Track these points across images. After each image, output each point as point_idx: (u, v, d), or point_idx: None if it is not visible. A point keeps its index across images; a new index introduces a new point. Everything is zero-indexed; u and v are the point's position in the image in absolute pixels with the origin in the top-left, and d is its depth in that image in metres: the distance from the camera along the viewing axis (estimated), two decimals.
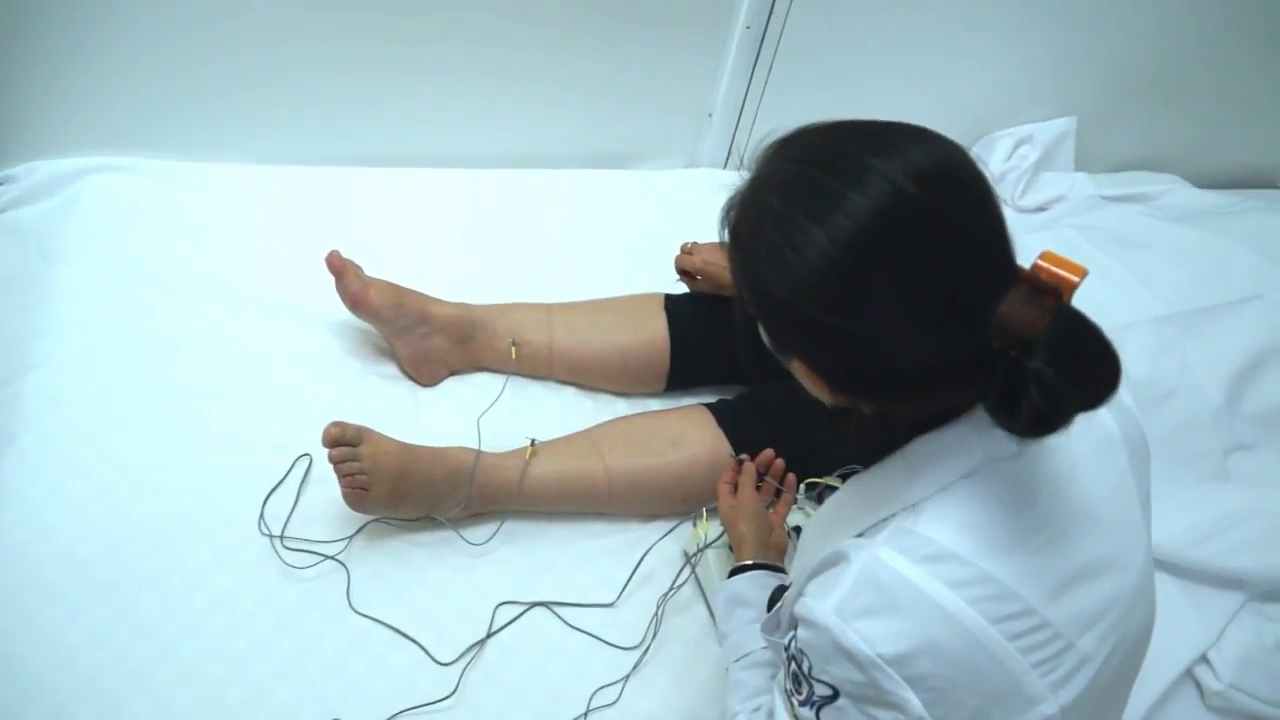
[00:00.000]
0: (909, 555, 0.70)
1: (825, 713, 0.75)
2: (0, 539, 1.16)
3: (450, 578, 1.23)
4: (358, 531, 1.24)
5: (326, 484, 1.23)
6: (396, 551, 1.24)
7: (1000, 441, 0.70)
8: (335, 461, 1.16)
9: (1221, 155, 2.04)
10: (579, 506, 1.31)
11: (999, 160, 1.88)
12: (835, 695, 0.73)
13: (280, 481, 1.27)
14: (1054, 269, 0.64)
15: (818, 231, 0.65)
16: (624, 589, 1.24)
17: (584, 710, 1.14)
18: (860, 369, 0.70)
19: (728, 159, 1.88)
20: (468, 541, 1.26)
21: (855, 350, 0.68)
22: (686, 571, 1.25)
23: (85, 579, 1.14)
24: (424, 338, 1.39)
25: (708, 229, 1.71)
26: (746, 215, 0.72)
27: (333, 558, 1.21)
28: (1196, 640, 1.31)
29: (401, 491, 1.20)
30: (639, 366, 1.44)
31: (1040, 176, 1.90)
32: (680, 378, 1.45)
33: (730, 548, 1.25)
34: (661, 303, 1.46)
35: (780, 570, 1.11)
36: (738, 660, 1.02)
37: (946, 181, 0.66)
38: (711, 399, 1.40)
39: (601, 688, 1.16)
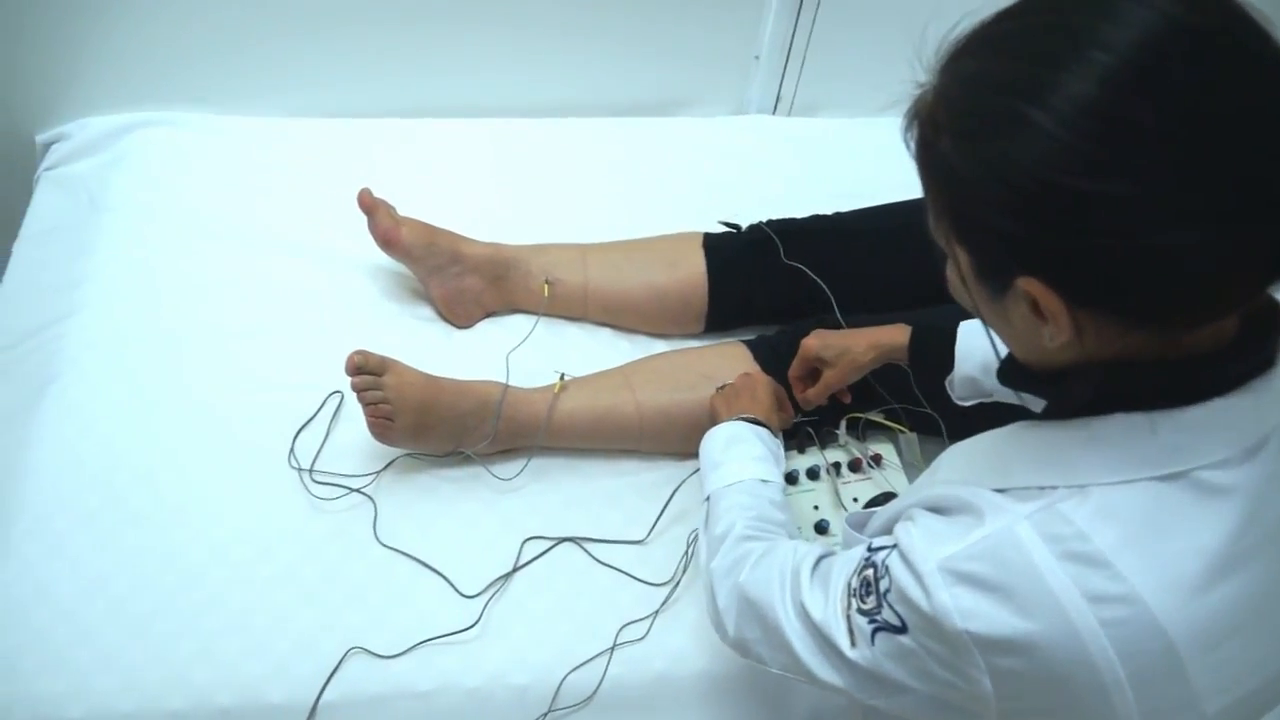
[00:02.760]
0: (1051, 544, 0.60)
1: (882, 638, 0.69)
2: (36, 474, 1.17)
3: (478, 512, 1.21)
4: (386, 466, 1.23)
5: (357, 421, 1.22)
6: (424, 486, 1.22)
7: (1225, 446, 0.60)
8: (358, 390, 1.15)
9: None
10: (610, 443, 1.27)
11: None
12: (903, 629, 0.67)
13: (311, 418, 1.26)
14: None
15: (1067, 75, 0.52)
16: (654, 526, 1.20)
17: (610, 644, 1.11)
18: (1109, 266, 0.55)
19: (776, 104, 1.82)
20: (496, 477, 1.23)
21: (1111, 232, 0.53)
22: None
23: (116, 509, 1.15)
24: (457, 277, 1.37)
25: (757, 178, 1.69)
26: (950, 101, 0.59)
27: (359, 491, 1.20)
28: None
29: (427, 424, 1.18)
30: (676, 306, 1.40)
31: None
32: (719, 318, 1.41)
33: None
34: (700, 241, 1.42)
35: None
36: (733, 485, 0.97)
37: (1216, 4, 0.54)
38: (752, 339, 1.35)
39: (629, 623, 1.13)
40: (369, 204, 1.33)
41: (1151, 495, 0.60)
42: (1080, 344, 0.60)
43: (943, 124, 0.59)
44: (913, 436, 1.24)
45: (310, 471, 1.21)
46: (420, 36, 1.63)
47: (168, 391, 1.27)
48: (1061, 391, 0.65)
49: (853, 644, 0.72)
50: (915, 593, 0.65)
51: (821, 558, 0.82)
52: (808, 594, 0.78)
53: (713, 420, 1.10)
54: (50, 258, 1.42)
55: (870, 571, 0.71)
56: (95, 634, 1.06)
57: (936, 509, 0.69)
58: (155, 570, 1.11)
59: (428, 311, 1.42)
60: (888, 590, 0.68)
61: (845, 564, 0.76)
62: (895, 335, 1.14)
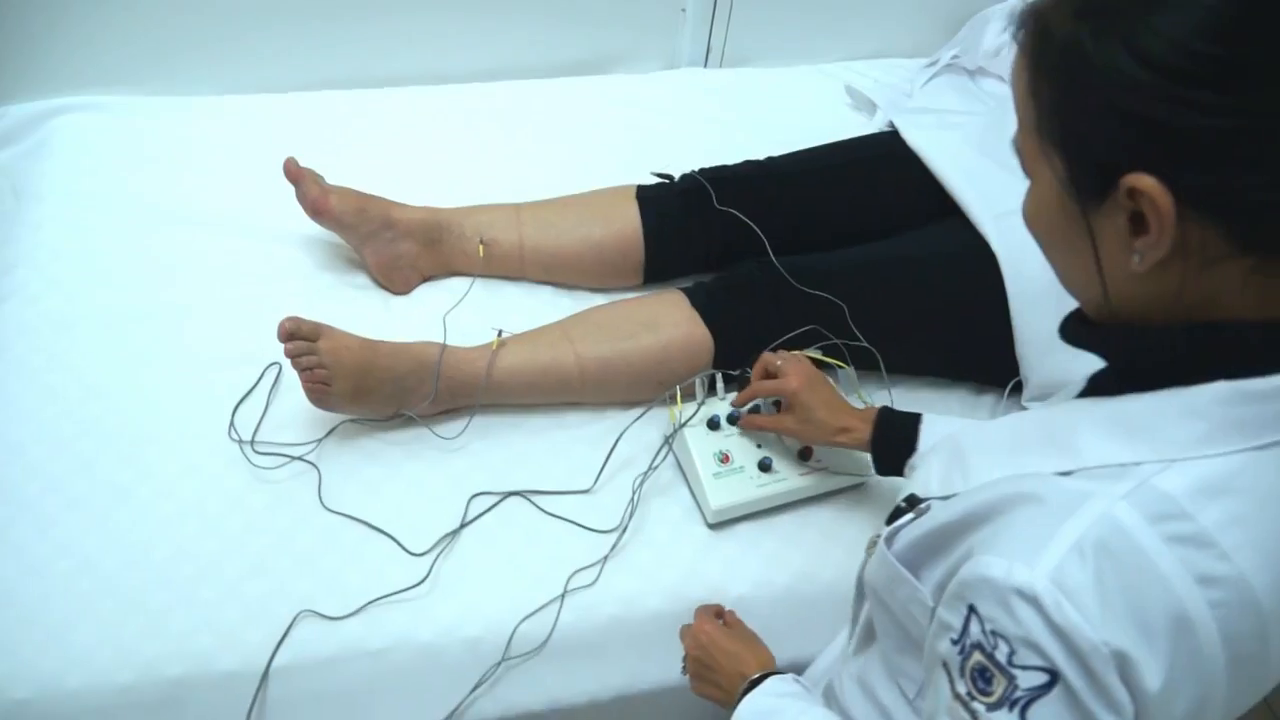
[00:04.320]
0: (1157, 525, 0.55)
1: (1036, 711, 0.56)
2: None
3: (423, 472, 1.21)
4: (328, 433, 1.22)
5: (297, 391, 1.21)
6: (368, 450, 1.22)
7: None
8: (292, 356, 1.14)
9: None
10: (552, 397, 1.27)
11: (993, 34, 1.79)
12: (1053, 682, 0.55)
13: (250, 391, 1.25)
14: None
15: None
16: (600, 474, 1.21)
17: (561, 592, 1.11)
18: (1236, 151, 0.52)
19: (707, 57, 1.83)
20: (440, 436, 1.23)
21: (1248, 109, 0.51)
22: (664, 453, 1.22)
23: (55, 494, 1.14)
24: (390, 243, 1.37)
25: (691, 131, 1.69)
26: None
27: (301, 458, 1.19)
28: None
29: (365, 387, 1.18)
30: (613, 258, 1.40)
31: None
32: (657, 269, 1.41)
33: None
34: (633, 193, 1.42)
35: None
36: None
37: None
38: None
39: (579, 570, 1.13)
40: (295, 173, 1.32)
41: (1249, 467, 0.57)
42: (1173, 269, 0.57)
43: (1070, 8, 0.57)
44: (850, 371, 1.25)
45: (251, 443, 1.20)
46: (344, 7, 1.62)
47: (104, 374, 1.25)
48: (1143, 348, 0.61)
49: None
50: (1039, 626, 0.55)
51: None
52: None
53: (727, 708, 0.93)
54: None
55: (978, 655, 0.58)
56: (39, 616, 1.04)
57: (995, 515, 0.62)
58: (98, 551, 1.10)
59: (364, 280, 1.42)
60: (1012, 653, 0.56)
61: (935, 694, 0.63)
62: (863, 433, 1.06)
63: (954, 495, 0.69)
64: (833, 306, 1.25)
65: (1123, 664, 0.54)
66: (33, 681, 1.00)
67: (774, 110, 1.75)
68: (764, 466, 1.19)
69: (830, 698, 0.91)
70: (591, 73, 1.79)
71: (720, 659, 0.96)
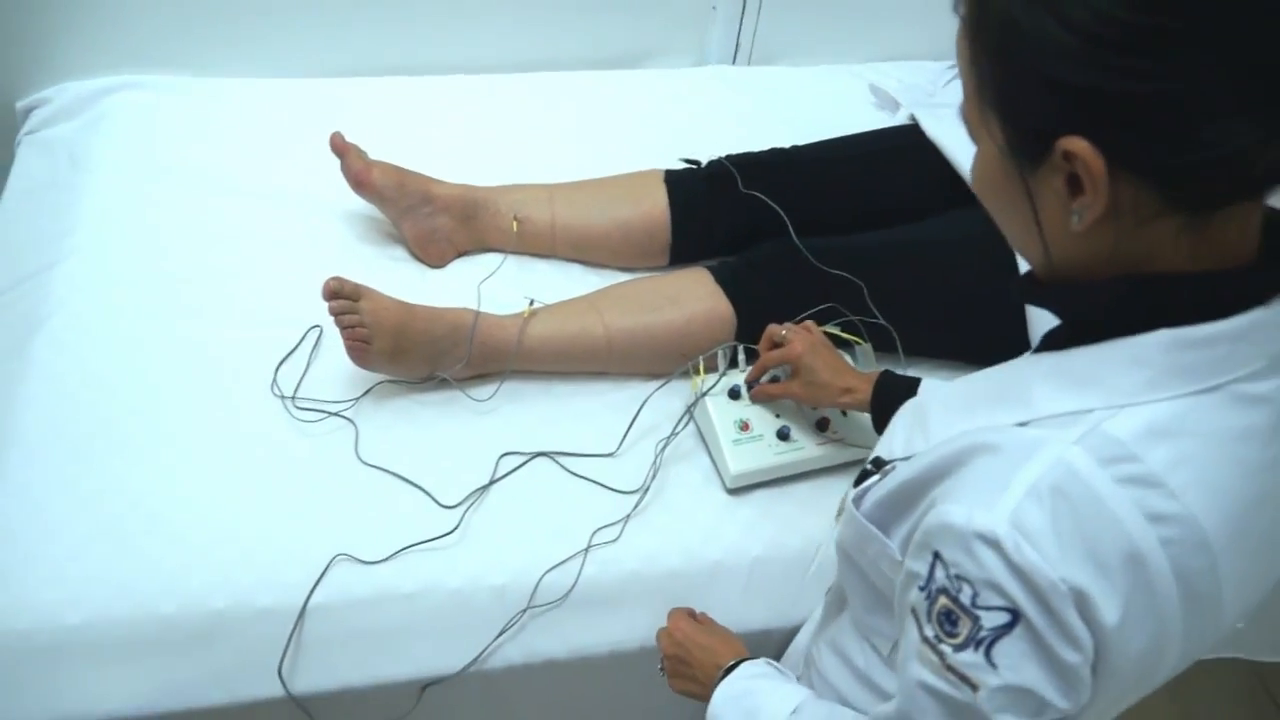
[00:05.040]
0: (1108, 468, 0.58)
1: (1000, 649, 0.59)
2: (31, 406, 1.22)
3: (455, 431, 1.26)
4: (366, 392, 1.28)
5: (336, 353, 1.27)
6: (403, 409, 1.28)
7: (1258, 360, 0.60)
8: (335, 314, 1.20)
9: None
10: (580, 365, 1.33)
11: None
12: (1014, 621, 0.58)
13: (292, 351, 1.31)
14: None
15: None
16: (624, 438, 1.26)
17: (585, 546, 1.16)
18: (1158, 112, 0.54)
19: (735, 54, 1.89)
20: (472, 398, 1.29)
21: (1166, 73, 0.53)
22: (685, 420, 1.27)
23: (106, 436, 1.19)
24: (428, 217, 1.43)
25: (717, 126, 1.74)
26: None
27: (340, 415, 1.25)
28: None
29: (403, 347, 1.23)
30: (640, 239, 1.46)
31: None
32: (683, 250, 1.47)
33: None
34: (661, 177, 1.48)
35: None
36: None
37: None
38: None
39: (602, 527, 1.18)
40: (341, 146, 1.39)
41: (1193, 410, 0.59)
42: (1109, 228, 0.59)
43: None
44: (868, 347, 1.30)
45: (293, 399, 1.26)
46: None
47: (154, 330, 1.31)
48: (1086, 302, 0.64)
49: (975, 687, 0.60)
50: (996, 566, 0.58)
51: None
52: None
53: (706, 700, 0.94)
54: (35, 213, 1.47)
55: (944, 599, 0.61)
56: (88, 550, 1.10)
57: (955, 467, 0.65)
58: (144, 492, 1.15)
59: (401, 252, 1.48)
60: (975, 595, 0.59)
61: (906, 642, 0.66)
62: (865, 394, 1.12)
63: (915, 455, 0.72)
64: (852, 285, 1.30)
65: (1080, 601, 0.57)
66: (83, 610, 1.06)
67: (799, 107, 1.81)
68: (782, 435, 1.24)
69: (810, 667, 0.94)
70: (623, 67, 1.85)
71: (696, 653, 0.99)
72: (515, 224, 1.44)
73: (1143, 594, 0.58)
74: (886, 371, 1.13)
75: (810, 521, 1.23)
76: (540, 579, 1.14)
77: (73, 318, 1.32)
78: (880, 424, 1.10)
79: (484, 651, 1.11)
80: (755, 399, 1.25)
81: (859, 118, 1.76)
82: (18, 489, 1.14)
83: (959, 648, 0.60)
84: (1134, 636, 0.59)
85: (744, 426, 1.24)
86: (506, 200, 1.46)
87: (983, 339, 1.37)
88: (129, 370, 1.27)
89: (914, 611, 0.64)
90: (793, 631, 1.11)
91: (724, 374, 1.27)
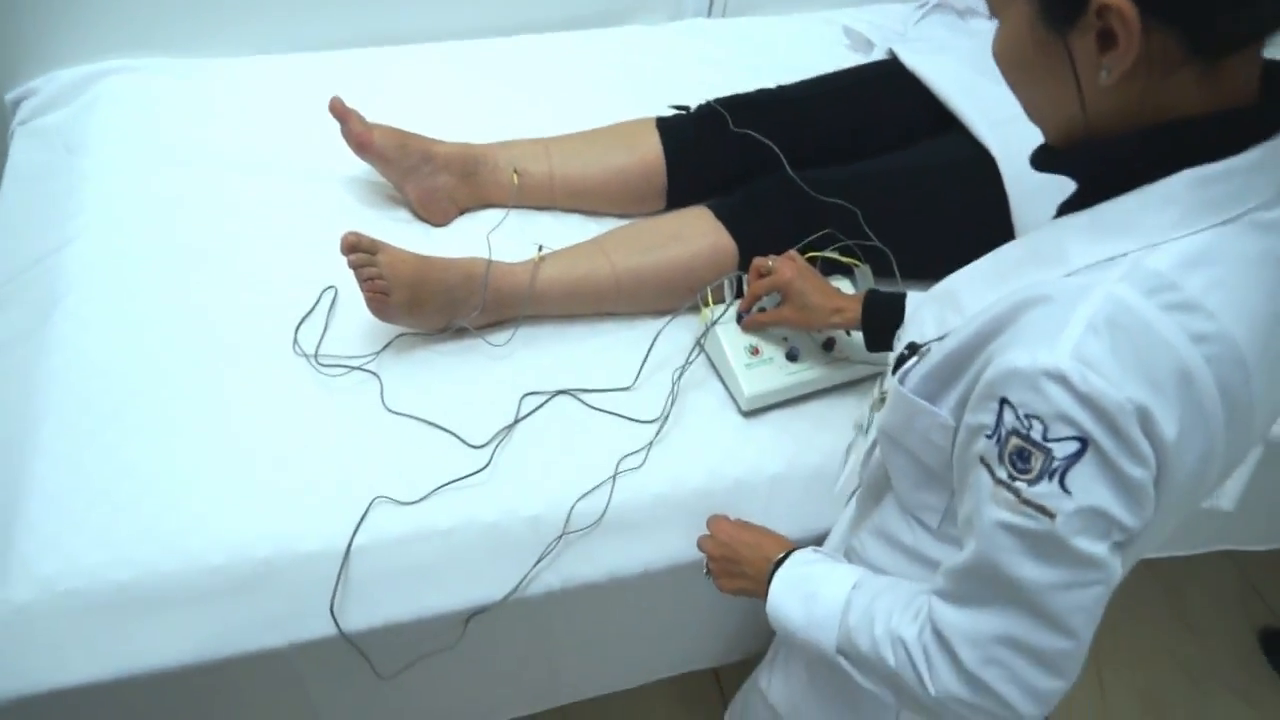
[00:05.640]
0: (1153, 298, 0.63)
1: (1073, 475, 0.63)
2: (58, 380, 1.24)
3: (476, 376, 1.30)
4: (386, 346, 1.31)
5: (354, 311, 1.31)
6: (423, 359, 1.31)
7: (1269, 190, 0.66)
8: (354, 266, 1.23)
9: None
10: (590, 306, 1.37)
11: None
12: (1084, 448, 0.63)
13: (309, 312, 1.34)
14: None
15: None
16: (640, 372, 1.30)
17: (612, 474, 1.20)
18: None
19: (710, 7, 1.93)
20: (490, 344, 1.33)
21: None
22: (697, 350, 1.31)
23: (138, 404, 1.22)
24: (429, 176, 1.46)
25: (698, 75, 1.78)
26: None
27: (363, 368, 1.28)
28: None
29: (420, 297, 1.26)
30: (638, 184, 1.50)
31: None
32: (679, 192, 1.51)
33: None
34: (653, 124, 1.52)
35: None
36: (841, 618, 0.85)
37: None
38: None
39: (627, 455, 1.22)
40: (341, 111, 1.41)
41: (1219, 239, 0.65)
42: (1138, 81, 0.64)
43: None
44: (866, 269, 1.35)
45: (315, 356, 1.29)
46: None
47: (171, 300, 1.34)
48: (1112, 157, 0.69)
49: (1052, 515, 0.65)
50: (1064, 399, 0.62)
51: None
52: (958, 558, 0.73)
53: (761, 595, 0.97)
54: (37, 199, 1.49)
55: (1015, 440, 0.65)
56: (131, 510, 1.13)
57: (1007, 324, 0.68)
58: (181, 452, 1.18)
59: (405, 214, 1.51)
60: (1046, 429, 0.63)
61: (975, 493, 0.70)
62: (855, 313, 1.16)
63: (950, 333, 0.77)
64: (846, 212, 1.35)
65: (1144, 418, 0.62)
66: (132, 568, 1.09)
67: (775, 54, 1.85)
68: (791, 357, 1.29)
69: (853, 557, 0.99)
70: (601, 25, 1.88)
71: (744, 551, 1.03)
72: (515, 177, 1.47)
73: (1194, 409, 0.64)
74: (872, 290, 1.18)
75: (824, 438, 1.27)
76: (572, 507, 1.18)
77: (89, 295, 1.34)
78: (871, 340, 1.15)
79: (524, 580, 1.16)
80: (747, 329, 1.29)
81: (835, 62, 1.79)
82: (57, 459, 1.16)
83: (1033, 481, 0.65)
84: (1189, 449, 0.64)
85: (754, 351, 1.28)
86: (505, 156, 1.49)
87: (972, 253, 1.43)
88: (151, 341, 1.29)
89: (983, 460, 0.69)
90: (815, 541, 1.16)
91: (731, 303, 1.32)
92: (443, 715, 1.35)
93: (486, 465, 1.20)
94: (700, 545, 1.10)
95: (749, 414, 1.29)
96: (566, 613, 1.21)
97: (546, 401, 1.28)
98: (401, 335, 1.32)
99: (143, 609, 1.08)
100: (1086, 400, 0.62)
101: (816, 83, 1.56)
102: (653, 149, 1.49)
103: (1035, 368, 0.63)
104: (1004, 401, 0.66)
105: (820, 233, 1.34)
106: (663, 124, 1.51)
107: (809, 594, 0.89)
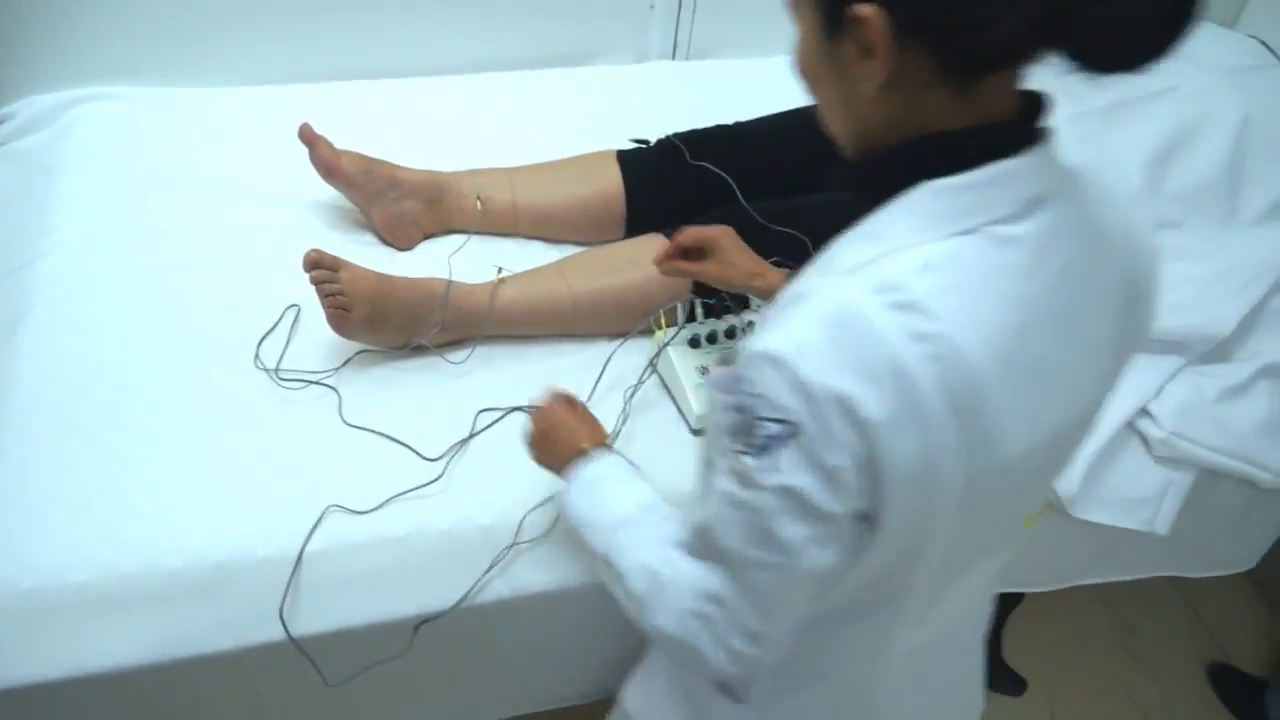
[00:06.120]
0: (877, 295, 0.66)
1: (780, 455, 0.68)
2: (23, 389, 1.27)
3: (434, 393, 1.33)
4: (346, 362, 1.35)
5: (316, 328, 1.34)
6: (383, 376, 1.35)
7: (1010, 206, 0.68)
8: (316, 283, 1.27)
9: None
10: (548, 327, 1.41)
11: None
12: (791, 431, 0.67)
13: (272, 328, 1.38)
14: None
15: None
16: (593, 390, 1.34)
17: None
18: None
19: (675, 49, 2.00)
20: (449, 361, 1.36)
21: None
22: (649, 370, 1.36)
23: (99, 414, 1.25)
24: (395, 202, 1.50)
25: (661, 115, 1.85)
26: None
27: (321, 383, 1.32)
28: (1136, 395, 1.40)
29: (381, 314, 1.30)
30: (598, 214, 1.55)
31: None
32: (637, 222, 1.56)
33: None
34: (614, 156, 1.58)
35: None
36: (620, 529, 0.93)
37: None
38: None
39: None
40: (310, 137, 1.46)
41: (954, 248, 0.67)
42: (896, 95, 0.68)
43: None
44: None
45: (276, 370, 1.32)
46: (343, 5, 1.77)
47: (136, 316, 1.37)
48: (873, 170, 0.72)
49: (760, 490, 0.70)
50: (780, 383, 0.66)
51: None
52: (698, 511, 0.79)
53: (560, 477, 1.07)
54: (10, 217, 1.53)
55: (736, 415, 0.70)
56: (89, 514, 1.15)
57: (768, 319, 0.73)
58: (141, 460, 1.21)
59: (370, 238, 1.55)
60: (760, 408, 0.68)
61: (710, 459, 0.77)
62: (774, 282, 1.20)
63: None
64: (796, 241, 1.40)
65: (848, 407, 0.65)
66: (91, 569, 1.11)
67: (738, 95, 1.90)
68: None
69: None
70: (569, 65, 1.95)
71: (561, 432, 1.09)
72: (479, 204, 1.52)
73: (908, 401, 0.65)
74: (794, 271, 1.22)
75: None
76: (524, 518, 1.21)
77: (57, 308, 1.37)
78: None
79: (474, 587, 1.18)
80: (665, 272, 1.25)
81: (794, 104, 1.87)
82: (17, 465, 1.19)
83: (749, 455, 0.69)
84: (902, 436, 0.66)
85: (704, 371, 1.33)
86: (469, 183, 1.54)
87: None
88: (115, 353, 1.32)
89: (720, 430, 0.73)
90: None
91: (683, 326, 1.36)
92: None
93: (440, 476, 1.23)
94: (530, 414, 1.13)
95: (698, 432, 1.33)
96: (515, 625, 1.24)
97: (502, 417, 1.32)
98: (362, 352, 1.36)
99: (99, 610, 1.10)
100: (795, 385, 0.66)
101: (772, 120, 1.62)
102: (613, 180, 1.54)
103: (760, 350, 0.68)
104: (738, 378, 0.70)
105: (772, 260, 1.39)
106: (623, 156, 1.57)
107: (599, 498, 0.98)
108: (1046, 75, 0.69)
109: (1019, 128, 0.70)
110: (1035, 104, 0.72)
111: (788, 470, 0.68)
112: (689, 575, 0.80)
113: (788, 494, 0.69)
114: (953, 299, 0.66)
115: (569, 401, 1.14)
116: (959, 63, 0.67)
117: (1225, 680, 2.10)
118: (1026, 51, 0.66)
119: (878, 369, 0.65)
